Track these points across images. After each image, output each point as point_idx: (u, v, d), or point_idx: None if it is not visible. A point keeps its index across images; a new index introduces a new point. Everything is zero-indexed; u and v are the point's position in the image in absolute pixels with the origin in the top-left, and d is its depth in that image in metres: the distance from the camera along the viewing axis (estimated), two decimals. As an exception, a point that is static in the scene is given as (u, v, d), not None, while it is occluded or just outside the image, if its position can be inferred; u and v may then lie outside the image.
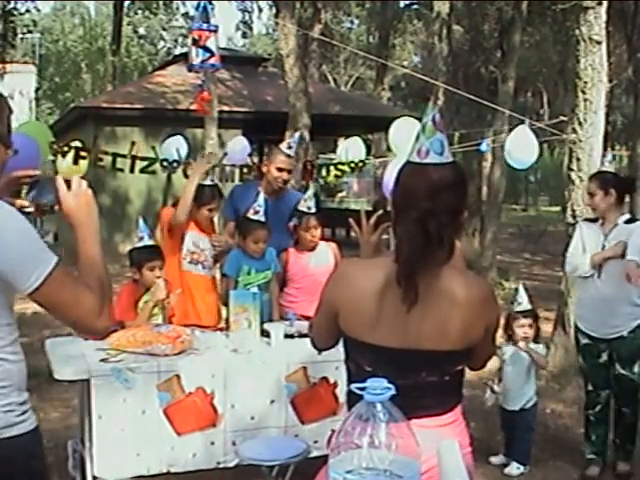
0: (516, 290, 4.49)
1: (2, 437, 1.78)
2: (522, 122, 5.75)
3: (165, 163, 5.73)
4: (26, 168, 2.12)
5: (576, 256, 4.25)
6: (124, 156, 5.89)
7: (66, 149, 5.45)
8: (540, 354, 4.35)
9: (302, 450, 3.40)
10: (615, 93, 21.64)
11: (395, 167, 3.91)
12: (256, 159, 13.64)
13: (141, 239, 4.12)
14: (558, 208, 23.09)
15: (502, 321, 4.06)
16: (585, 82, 5.92)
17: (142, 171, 5.94)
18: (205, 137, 11.23)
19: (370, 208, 16.63)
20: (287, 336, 3.86)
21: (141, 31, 42.48)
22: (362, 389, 1.40)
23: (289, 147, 4.62)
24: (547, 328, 6.60)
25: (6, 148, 1.90)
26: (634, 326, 4.11)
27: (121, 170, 6.05)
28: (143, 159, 5.87)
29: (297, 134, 5.84)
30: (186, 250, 4.33)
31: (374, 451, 1.36)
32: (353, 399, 1.53)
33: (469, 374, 2.10)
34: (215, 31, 4.75)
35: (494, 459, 4.38)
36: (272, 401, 3.62)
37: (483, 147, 7.02)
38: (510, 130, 6.33)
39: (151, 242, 4.15)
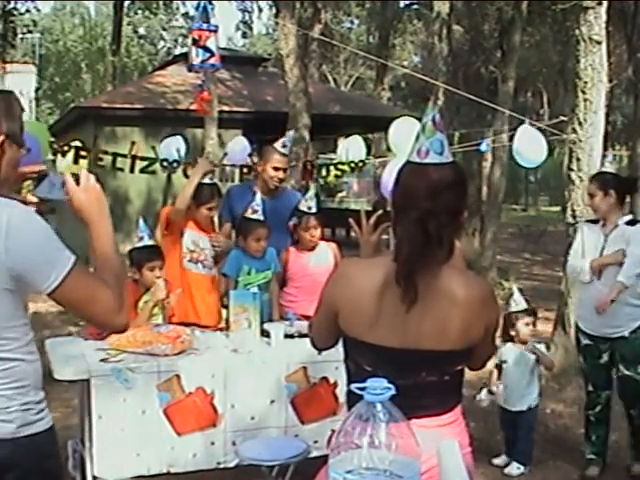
0: (511, 294, 4.47)
1: (20, 435, 1.79)
2: (522, 122, 5.75)
3: (165, 163, 5.73)
4: (31, 164, 2.11)
5: (576, 260, 4.26)
6: (124, 156, 5.90)
7: (66, 149, 5.46)
8: (546, 354, 4.33)
9: (302, 450, 3.40)
10: (615, 93, 21.64)
11: (394, 167, 3.91)
12: (256, 159, 13.60)
13: (141, 239, 4.13)
14: (558, 208, 23.10)
15: (501, 321, 4.05)
16: (585, 82, 5.92)
17: (142, 171, 5.94)
18: (205, 137, 11.23)
19: (370, 208, 16.62)
20: (287, 336, 3.85)
21: (141, 31, 42.47)
22: (362, 389, 1.40)
23: (284, 146, 4.62)
24: (547, 328, 6.61)
25: (19, 147, 1.90)
26: (635, 326, 4.10)
27: (121, 170, 6.06)
28: (143, 159, 5.88)
29: (291, 132, 5.83)
30: (185, 249, 4.32)
31: (374, 451, 1.36)
32: (353, 399, 1.52)
33: (469, 374, 2.10)
34: (215, 31, 4.75)
35: (497, 460, 4.37)
36: (272, 401, 3.62)
37: (483, 147, 7.02)
38: (510, 130, 6.33)
39: (151, 242, 4.15)
